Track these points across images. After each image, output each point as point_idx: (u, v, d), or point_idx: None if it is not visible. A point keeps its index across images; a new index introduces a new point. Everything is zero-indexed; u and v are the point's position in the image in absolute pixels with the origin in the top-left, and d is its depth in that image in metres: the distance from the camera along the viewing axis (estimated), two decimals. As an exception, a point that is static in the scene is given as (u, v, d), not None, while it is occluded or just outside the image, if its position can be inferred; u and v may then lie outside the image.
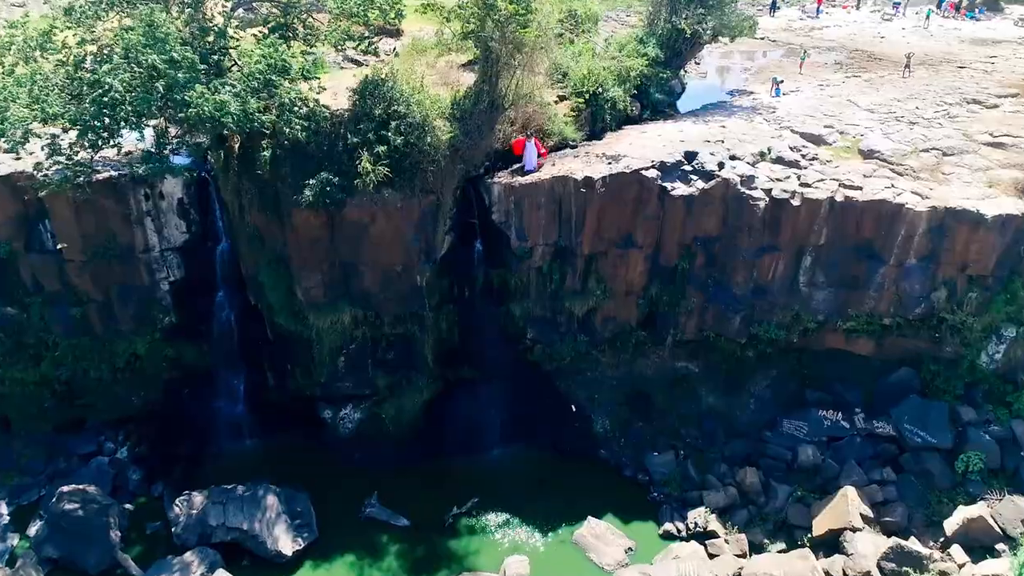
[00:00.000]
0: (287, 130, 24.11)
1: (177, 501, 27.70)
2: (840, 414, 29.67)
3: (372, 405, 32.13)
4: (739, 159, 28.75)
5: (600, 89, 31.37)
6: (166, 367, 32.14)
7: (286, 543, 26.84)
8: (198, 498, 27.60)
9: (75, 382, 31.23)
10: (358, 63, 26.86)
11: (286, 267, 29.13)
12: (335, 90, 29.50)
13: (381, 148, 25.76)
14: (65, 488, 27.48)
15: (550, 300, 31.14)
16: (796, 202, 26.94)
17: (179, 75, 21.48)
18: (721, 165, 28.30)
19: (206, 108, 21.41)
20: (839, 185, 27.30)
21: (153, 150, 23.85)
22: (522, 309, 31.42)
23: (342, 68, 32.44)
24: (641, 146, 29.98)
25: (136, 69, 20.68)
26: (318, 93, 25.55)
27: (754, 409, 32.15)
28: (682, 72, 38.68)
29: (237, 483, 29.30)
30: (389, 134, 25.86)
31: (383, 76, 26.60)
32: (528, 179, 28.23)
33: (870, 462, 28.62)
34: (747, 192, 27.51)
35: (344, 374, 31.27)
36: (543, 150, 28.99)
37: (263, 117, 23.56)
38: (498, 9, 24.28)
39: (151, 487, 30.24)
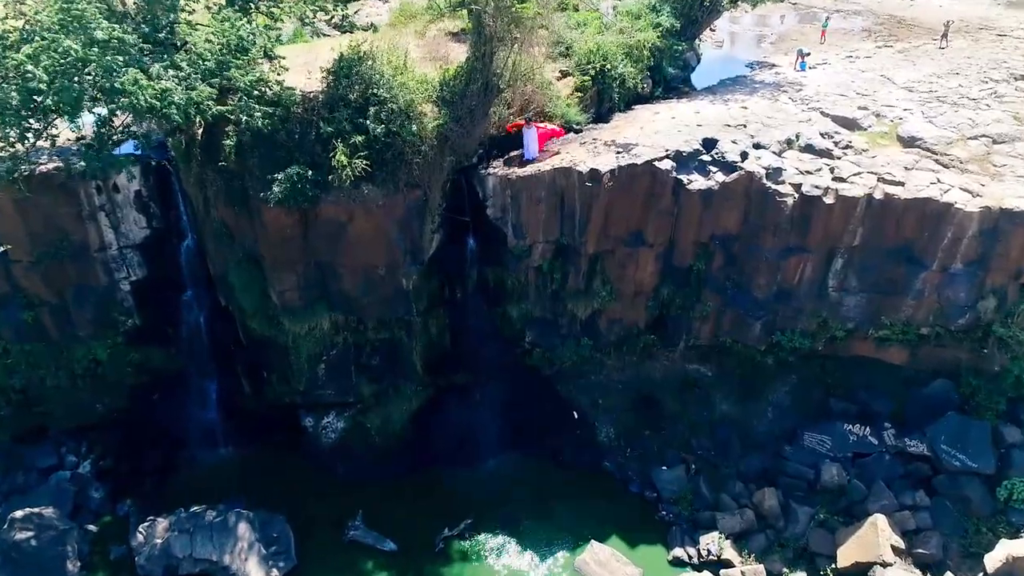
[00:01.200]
0: (245, 119, 20.90)
1: (141, 528, 25.27)
2: (867, 428, 27.06)
3: (356, 414, 29.54)
4: (764, 148, 25.54)
5: (608, 65, 27.96)
6: (131, 372, 29.44)
7: (260, 574, 24.51)
8: (162, 524, 25.16)
9: (31, 390, 28.59)
10: (342, 29, 23.52)
11: (258, 267, 26.19)
12: (311, 65, 26.19)
13: (359, 138, 22.60)
14: (18, 513, 25.01)
15: (550, 301, 28.30)
16: (829, 200, 23.84)
17: (108, 59, 18.21)
18: (744, 155, 25.12)
19: (142, 98, 18.21)
20: (878, 180, 24.16)
21: (93, 142, 20.65)
22: (520, 311, 28.61)
23: (325, 36, 28.97)
24: (653, 131, 26.73)
25: (53, 54, 17.45)
26: (281, 75, 22.16)
27: (772, 418, 29.56)
28: (697, 42, 35.11)
29: (210, 499, 27.00)
30: (368, 122, 22.69)
31: (361, 54, 23.27)
32: (527, 171, 25.09)
33: (900, 482, 26.11)
34: (773, 187, 24.39)
35: (325, 381, 28.61)
36: (553, 129, 25.73)
37: (216, 107, 20.34)
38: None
39: (116, 505, 27.80)
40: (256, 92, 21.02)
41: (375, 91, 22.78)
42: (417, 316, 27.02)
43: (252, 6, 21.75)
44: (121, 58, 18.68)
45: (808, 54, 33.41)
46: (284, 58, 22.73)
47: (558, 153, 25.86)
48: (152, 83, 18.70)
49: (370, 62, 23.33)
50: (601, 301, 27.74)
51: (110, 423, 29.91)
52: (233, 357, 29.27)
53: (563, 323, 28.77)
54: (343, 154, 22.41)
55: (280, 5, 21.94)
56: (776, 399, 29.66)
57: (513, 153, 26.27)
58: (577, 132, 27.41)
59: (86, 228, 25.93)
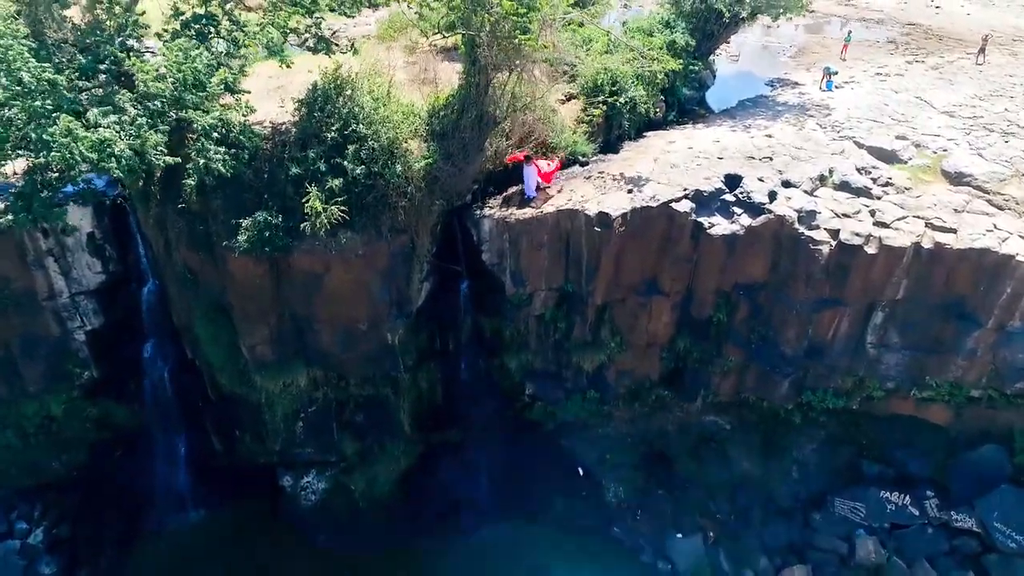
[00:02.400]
0: (204, 163, 18.03)
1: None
2: (907, 497, 24.28)
3: (339, 473, 26.75)
4: (794, 186, 22.66)
5: (617, 89, 25.03)
6: (90, 428, 26.58)
7: (227, 669, 21.74)
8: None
9: (-22, 449, 25.78)
10: (317, 51, 20.55)
11: (227, 317, 23.30)
12: (287, 91, 23.34)
13: (335, 182, 19.71)
14: (-47, 597, 22.26)
15: (553, 352, 25.49)
16: (871, 249, 20.98)
17: (35, 105, 15.33)
18: (772, 195, 22.25)
19: (75, 151, 15.32)
20: (926, 226, 21.31)
21: (24, 189, 17.74)
22: (519, 362, 25.79)
23: (307, 52, 25.92)
24: (669, 164, 23.86)
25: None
26: (246, 114, 19.21)
27: (797, 478, 26.78)
28: (712, 57, 32.25)
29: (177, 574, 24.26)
30: (346, 163, 19.80)
31: (337, 83, 20.37)
32: (527, 213, 22.25)
33: (945, 560, 23.38)
34: (807, 233, 21.53)
35: (303, 439, 25.81)
36: (555, 164, 22.87)
37: (167, 159, 17.44)
38: (489, 5, 17.90)
39: (70, 582, 25.04)
40: (216, 134, 18.12)
41: (354, 127, 19.88)
42: (405, 372, 24.20)
43: (212, 31, 18.80)
44: (51, 102, 15.79)
45: (835, 72, 30.52)
46: (249, 92, 19.79)
47: (561, 190, 23.02)
48: (88, 133, 15.78)
49: (349, 91, 20.44)
50: (610, 353, 24.93)
51: (68, 482, 27.08)
52: (202, 413, 26.41)
53: (567, 375, 25.97)
54: (317, 199, 19.52)
55: (244, 29, 18.99)
56: (802, 457, 26.87)
57: (512, 189, 23.45)
58: (583, 165, 24.56)
59: (32, 275, 23.03)
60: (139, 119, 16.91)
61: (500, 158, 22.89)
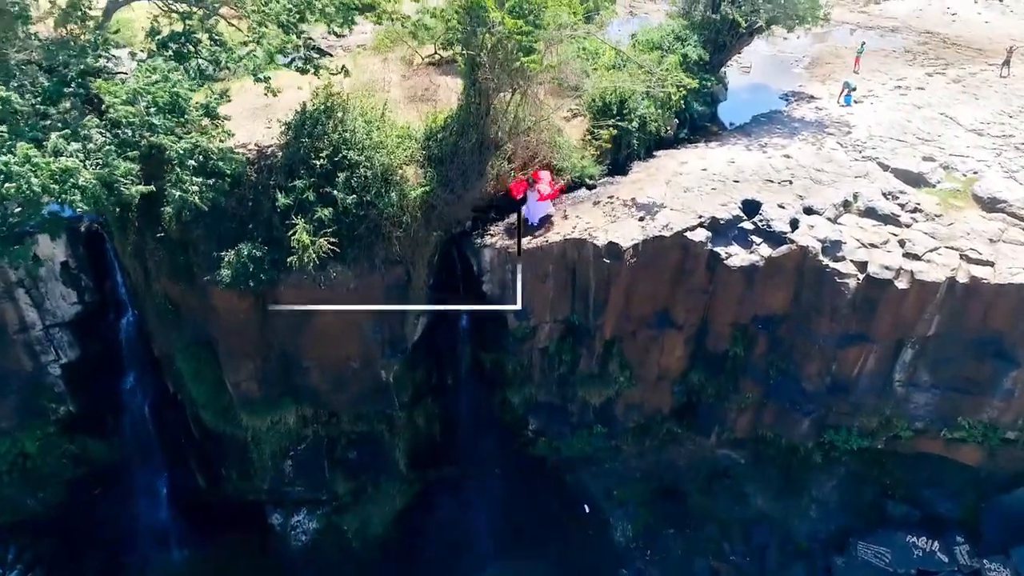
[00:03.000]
0: (179, 196, 16.54)
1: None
2: (936, 543, 22.85)
3: (331, 512, 25.34)
4: (817, 212, 21.17)
5: (626, 107, 23.51)
6: (68, 465, 25.19)
7: None
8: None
9: (-52, 489, 24.32)
10: (304, 72, 18.89)
11: (211, 351, 21.85)
12: (273, 110, 21.92)
13: (324, 212, 18.24)
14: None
15: (558, 385, 24.02)
16: (903, 284, 19.50)
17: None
18: (794, 224, 20.76)
19: (33, 183, 13.82)
20: (960, 257, 19.83)
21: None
22: (522, 396, 24.33)
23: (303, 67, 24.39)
24: (682, 188, 22.36)
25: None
26: (224, 140, 17.67)
27: (817, 517, 25.35)
28: (723, 69, 30.70)
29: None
30: (336, 192, 18.33)
31: (327, 105, 18.90)
32: (531, 242, 20.75)
33: (977, 610, 21.92)
34: (832, 265, 20.04)
35: (293, 477, 24.40)
36: (555, 188, 21.35)
37: (137, 188, 15.92)
38: (489, 24, 16.41)
39: (45, 629, 23.59)
40: (193, 162, 16.61)
41: (345, 153, 18.41)
42: (400, 410, 22.75)
43: (191, 50, 17.29)
44: (6, 129, 14.29)
45: (854, 88, 28.98)
46: (229, 119, 18.27)
47: (567, 217, 21.54)
48: (49, 161, 14.28)
49: (340, 114, 18.97)
50: (618, 387, 23.46)
51: (45, 520, 25.65)
52: (184, 448, 24.93)
53: (573, 409, 24.50)
54: (304, 232, 18.06)
55: (227, 50, 17.44)
56: (821, 495, 25.42)
57: (515, 215, 21.94)
58: (591, 188, 23.05)
59: (1, 307, 21.61)
60: (107, 146, 15.39)
61: (502, 182, 21.39)
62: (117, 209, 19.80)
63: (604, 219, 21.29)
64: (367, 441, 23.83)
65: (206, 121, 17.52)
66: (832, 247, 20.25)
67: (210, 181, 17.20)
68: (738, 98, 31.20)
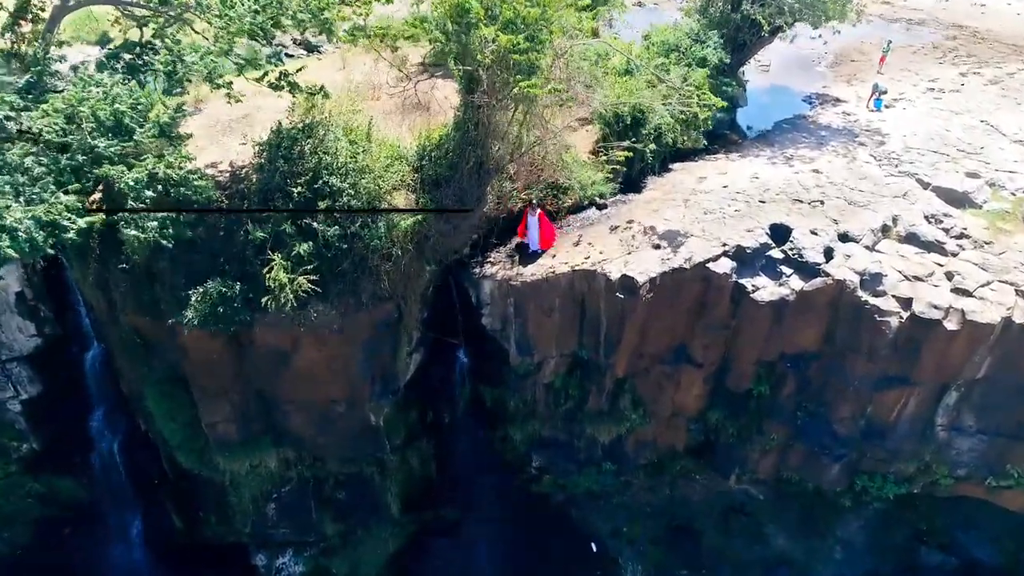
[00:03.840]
0: (133, 236, 14.45)
1: None
2: (975, 595, 20.96)
3: (319, 554, 23.45)
4: (853, 239, 19.07)
5: (641, 125, 21.29)
6: (34, 504, 23.35)
7: None
8: None
9: (-97, 533, 22.49)
10: (278, 88, 16.56)
11: (184, 389, 19.81)
12: (254, 120, 19.88)
13: (303, 247, 16.15)
14: None
15: (564, 422, 22.05)
16: (952, 325, 17.43)
17: None
18: (829, 253, 18.67)
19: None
20: (1016, 293, 17.74)
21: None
22: (525, 433, 22.37)
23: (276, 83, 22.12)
24: (702, 209, 20.25)
25: None
26: (183, 165, 15.46)
27: (841, 559, 23.52)
28: (742, 69, 28.44)
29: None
30: (316, 224, 16.22)
31: (304, 123, 16.75)
32: (534, 273, 18.68)
33: (1020, 673, 20.11)
34: (871, 301, 17.98)
35: (277, 520, 22.49)
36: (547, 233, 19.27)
37: (83, 221, 13.80)
38: (482, 42, 14.24)
39: None
40: (150, 193, 14.49)
41: (326, 179, 16.28)
42: (391, 453, 20.78)
43: (146, 62, 15.09)
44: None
45: (885, 91, 26.71)
46: (190, 136, 16.10)
47: (577, 243, 19.45)
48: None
49: (321, 132, 16.81)
50: (630, 425, 21.50)
51: (12, 561, 23.83)
52: (159, 490, 23.02)
53: (580, 446, 22.56)
54: (281, 269, 15.98)
55: (184, 59, 15.19)
56: (847, 535, 23.54)
57: (517, 240, 19.88)
58: (601, 208, 20.95)
59: (-49, 343, 19.65)
60: (44, 179, 13.25)
61: (503, 204, 19.29)
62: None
63: (618, 247, 19.19)
64: (356, 482, 21.90)
65: (164, 142, 15.34)
66: (872, 280, 18.17)
67: (173, 213, 15.08)
68: (758, 101, 28.98)
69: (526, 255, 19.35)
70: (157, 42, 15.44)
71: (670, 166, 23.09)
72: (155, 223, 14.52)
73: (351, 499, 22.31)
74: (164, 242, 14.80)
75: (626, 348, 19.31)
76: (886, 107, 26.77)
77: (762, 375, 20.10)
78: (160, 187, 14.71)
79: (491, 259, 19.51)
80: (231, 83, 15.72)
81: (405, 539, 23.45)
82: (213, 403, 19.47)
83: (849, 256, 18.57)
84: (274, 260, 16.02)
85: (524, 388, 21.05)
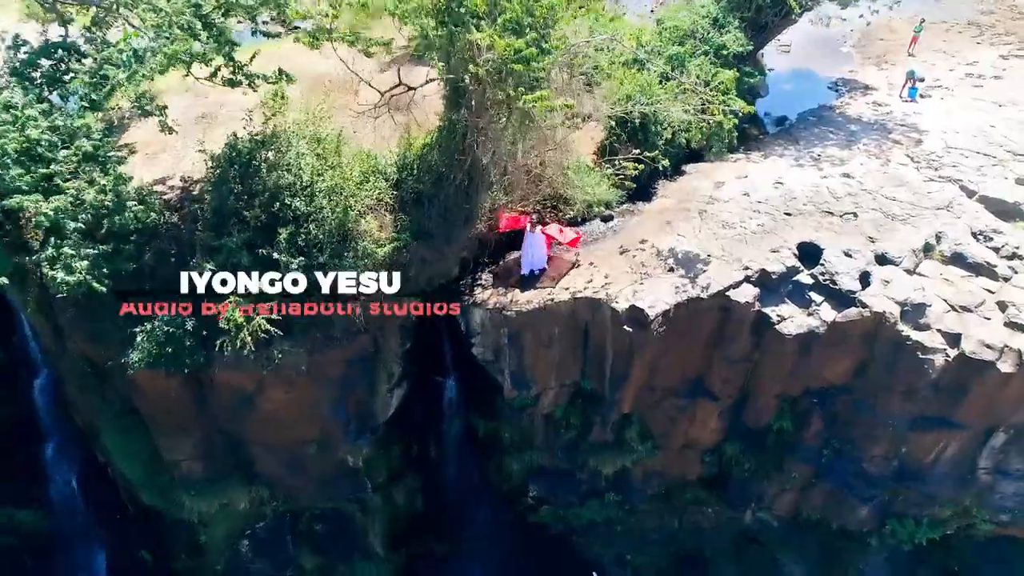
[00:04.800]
0: (60, 279, 12.27)
1: None
2: (1010, 643, 19.24)
3: (299, 588, 21.75)
4: (892, 261, 16.82)
5: (651, 131, 18.87)
6: (-9, 535, 21.55)
7: None
8: None
9: None
10: (234, 84, 14.08)
11: (143, 424, 17.85)
12: (215, 120, 17.64)
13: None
14: None
15: (565, 452, 20.09)
16: (1007, 367, 15.28)
17: None
18: (865, 278, 16.44)
19: None
20: (1080, 329, 15.60)
21: None
22: (522, 463, 20.45)
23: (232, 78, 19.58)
24: (719, 222, 17.99)
25: None
26: (119, 189, 13.14)
27: (863, 596, 21.79)
28: (761, 53, 25.79)
29: None
30: (278, 254, 13.99)
31: (265, 134, 14.42)
32: (531, 299, 16.49)
33: None
34: (914, 336, 15.81)
35: (252, 556, 20.67)
36: (568, 236, 16.97)
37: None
38: (475, 50, 11.86)
39: None
40: (79, 225, 12.27)
41: (287, 201, 14.00)
42: (373, 492, 18.86)
43: (69, 69, 12.70)
44: None
45: (922, 79, 24.13)
46: (124, 160, 13.78)
47: (577, 264, 17.24)
48: None
49: (284, 144, 14.48)
50: (637, 456, 19.56)
51: (-29, 592, 22.23)
52: (124, 524, 21.22)
53: (582, 477, 20.65)
54: (237, 307, 13.82)
55: (106, 67, 12.61)
56: (869, 570, 21.75)
57: (511, 256, 17.67)
58: (607, 220, 18.67)
59: None
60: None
61: (496, 219, 17.02)
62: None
63: (625, 269, 16.96)
64: (336, 517, 20.07)
65: (93, 165, 13.02)
66: (914, 312, 15.98)
67: (107, 247, 12.88)
68: (779, 88, 26.44)
69: (524, 277, 17.16)
70: (85, 45, 13.02)
71: (684, 168, 20.75)
72: (85, 262, 12.30)
73: (331, 533, 20.49)
74: (97, 286, 12.57)
75: (634, 384, 17.25)
76: (921, 96, 24.22)
77: (784, 410, 18.07)
78: (90, 216, 12.45)
79: (482, 281, 17.32)
80: (165, 109, 13.39)
81: (392, 574, 21.72)
82: (174, 440, 17.55)
83: (888, 282, 16.35)
84: (229, 298, 13.85)
85: (520, 420, 19.08)
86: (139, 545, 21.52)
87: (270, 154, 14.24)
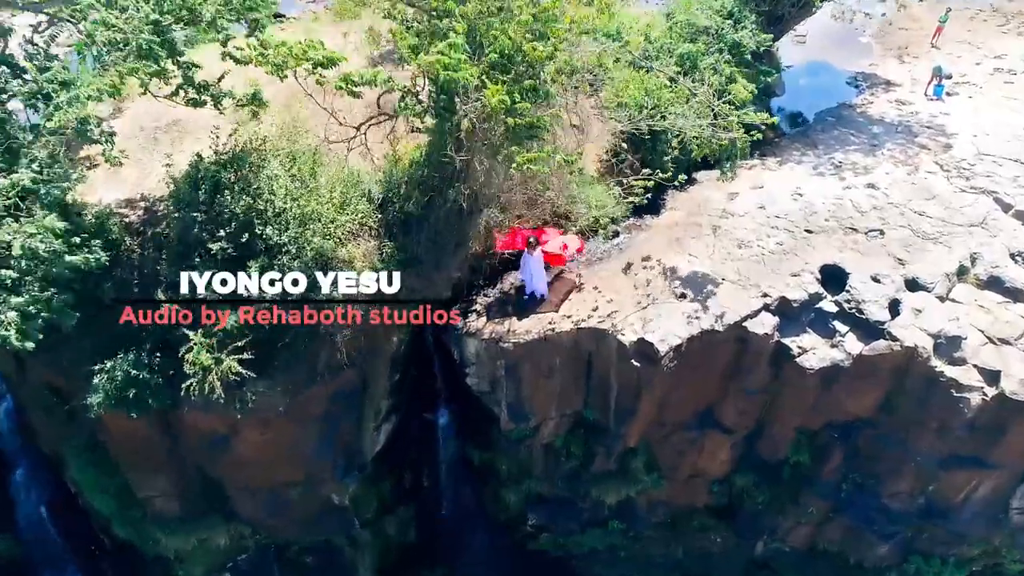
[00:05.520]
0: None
1: None
2: None
3: (286, 619, 20.65)
4: (923, 287, 15.42)
5: (660, 116, 17.31)
6: (-39, 560, 20.39)
7: None
8: None
9: None
10: (196, 104, 12.52)
11: (112, 458, 16.58)
12: (184, 128, 16.10)
13: (231, 320, 12.57)
14: None
15: (566, 481, 18.86)
16: (1052, 409, 14.01)
17: None
18: (895, 306, 15.06)
19: None
20: None
21: None
22: (520, 493, 19.23)
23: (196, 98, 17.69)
24: (734, 241, 16.57)
25: None
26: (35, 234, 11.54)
27: (879, 625, 20.73)
28: (776, 45, 24.09)
29: None
30: (247, 289, 12.56)
31: (231, 154, 12.92)
32: (530, 329, 15.12)
33: None
34: (948, 373, 14.48)
35: (236, 587, 19.57)
36: (569, 250, 15.54)
37: None
38: (461, 101, 10.42)
39: None
40: (11, 274, 10.80)
41: (259, 230, 12.55)
42: (362, 527, 17.65)
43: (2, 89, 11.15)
44: None
45: (949, 76, 22.52)
46: (81, 179, 12.27)
47: (580, 287, 15.85)
48: None
49: (257, 163, 12.99)
50: (642, 487, 18.35)
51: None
52: (100, 554, 20.04)
53: (584, 505, 19.45)
54: (203, 349, 12.44)
55: (48, 87, 10.95)
56: (887, 601, 20.70)
57: (509, 279, 16.30)
58: (613, 236, 17.24)
59: None
60: None
61: (491, 238, 15.59)
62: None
63: (631, 294, 15.59)
64: (324, 550, 18.90)
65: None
66: (948, 345, 14.64)
67: (46, 295, 11.39)
68: (795, 83, 24.84)
69: (523, 300, 15.79)
70: (26, 62, 11.46)
71: (694, 175, 19.26)
72: (14, 313, 10.78)
73: (320, 565, 19.34)
74: (19, 344, 10.93)
75: (642, 420, 15.99)
76: (947, 94, 22.64)
77: (802, 442, 16.81)
78: (25, 263, 10.93)
79: (477, 305, 15.95)
80: (113, 136, 11.87)
81: (383, 604, 20.63)
82: (146, 477, 16.27)
83: (920, 311, 14.97)
84: (193, 339, 12.46)
85: (518, 451, 17.80)
86: None
87: (239, 175, 12.73)
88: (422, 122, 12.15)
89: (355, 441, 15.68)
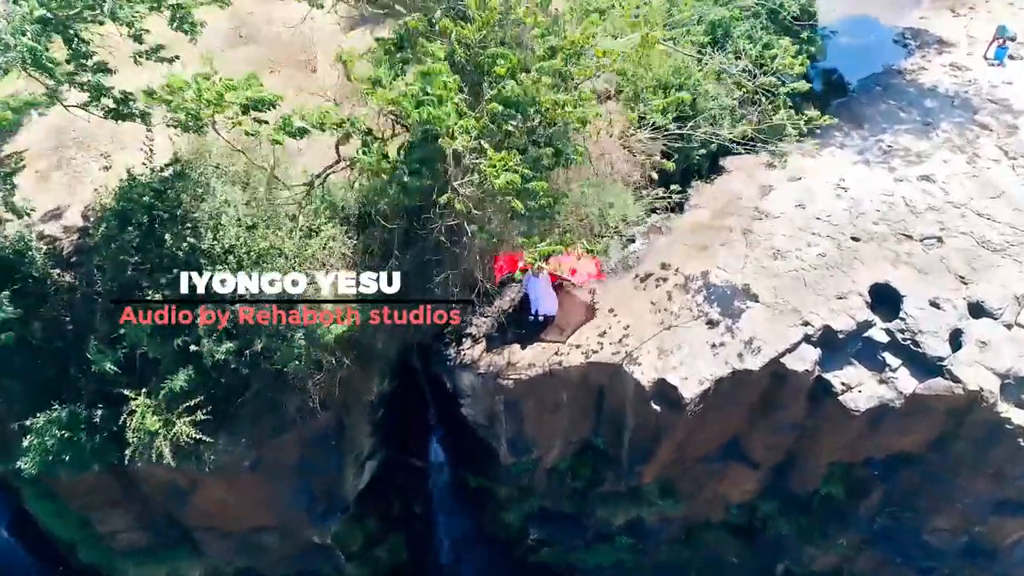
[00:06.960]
0: None
1: None
2: None
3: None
4: (990, 314, 13.23)
5: (690, 100, 14.73)
6: (-76, 579, 19.13)
7: None
8: None
9: None
10: (120, 117, 10.17)
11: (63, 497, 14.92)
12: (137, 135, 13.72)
13: (180, 379, 10.54)
14: None
15: (571, 499, 17.31)
16: None
17: None
18: (956, 338, 12.97)
19: None
20: None
21: None
22: (520, 512, 17.69)
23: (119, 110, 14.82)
24: (770, 251, 14.32)
25: None
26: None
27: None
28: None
29: None
30: (198, 346, 10.48)
31: (171, 173, 10.62)
32: (534, 361, 13.11)
33: None
34: (1016, 420, 12.54)
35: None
36: (579, 276, 13.40)
37: None
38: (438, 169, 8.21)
39: None
40: None
41: (206, 272, 10.35)
42: (348, 561, 16.15)
43: None
44: None
45: (1013, 37, 19.58)
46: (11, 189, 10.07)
47: (593, 311, 13.75)
48: None
49: (201, 186, 10.67)
50: (656, 509, 16.79)
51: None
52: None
53: (589, 523, 17.97)
54: (148, 412, 10.50)
55: None
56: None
57: (508, 295, 14.19)
58: (630, 240, 14.99)
59: None
60: None
61: (487, 262, 13.35)
62: None
63: (650, 317, 13.48)
64: (309, 573, 17.55)
65: None
66: (1018, 386, 12.65)
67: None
68: (835, 43, 21.83)
69: (527, 321, 13.73)
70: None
71: (722, 163, 16.82)
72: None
73: (307, 585, 18.10)
74: None
75: (659, 462, 14.20)
76: (1010, 58, 19.79)
77: (836, 475, 15.08)
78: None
79: (473, 328, 13.88)
80: (13, 174, 9.53)
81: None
82: (105, 515, 14.69)
83: (985, 345, 12.90)
84: (136, 401, 10.49)
85: (519, 479, 16.12)
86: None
87: (181, 199, 10.42)
88: (390, 179, 9.73)
89: (336, 485, 13.94)
